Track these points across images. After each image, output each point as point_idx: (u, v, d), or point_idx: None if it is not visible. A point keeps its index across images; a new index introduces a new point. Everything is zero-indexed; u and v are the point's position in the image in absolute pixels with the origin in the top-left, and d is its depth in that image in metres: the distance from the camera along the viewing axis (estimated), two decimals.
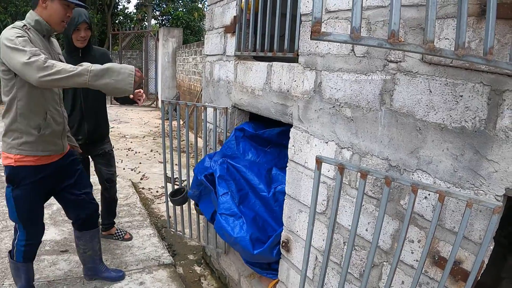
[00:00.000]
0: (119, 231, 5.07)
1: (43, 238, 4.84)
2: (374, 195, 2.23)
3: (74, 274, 4.18)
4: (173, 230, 4.64)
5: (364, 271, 2.34)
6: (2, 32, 2.91)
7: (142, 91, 4.28)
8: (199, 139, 8.75)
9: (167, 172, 4.42)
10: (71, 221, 3.85)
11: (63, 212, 5.56)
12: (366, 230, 2.30)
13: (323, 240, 2.65)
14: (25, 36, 2.83)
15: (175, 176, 4.30)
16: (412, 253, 2.05)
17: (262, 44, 3.29)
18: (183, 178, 4.28)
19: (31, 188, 3.22)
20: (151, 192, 6.99)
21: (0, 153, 3.37)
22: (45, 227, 5.12)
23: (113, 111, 16.08)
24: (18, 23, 3.00)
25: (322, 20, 2.48)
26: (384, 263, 2.23)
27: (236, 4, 3.60)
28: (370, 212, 2.26)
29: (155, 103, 18.09)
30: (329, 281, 2.64)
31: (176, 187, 4.29)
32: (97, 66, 2.76)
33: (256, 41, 3.32)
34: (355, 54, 2.28)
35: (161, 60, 16.99)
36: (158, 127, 13.29)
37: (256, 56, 3.51)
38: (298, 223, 2.90)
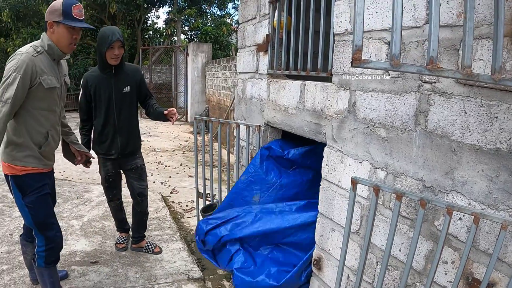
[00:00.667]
0: (149, 244, 5.10)
1: (74, 248, 4.95)
2: (408, 215, 2.22)
3: (104, 286, 4.21)
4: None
5: None
6: (20, 49, 3.25)
7: (175, 110, 4.33)
8: (231, 155, 8.74)
9: (198, 187, 4.44)
10: (23, 230, 4.01)
11: (93, 223, 5.69)
12: (400, 250, 2.29)
13: (356, 259, 2.65)
14: (23, 70, 3.06)
15: (207, 192, 4.33)
16: (446, 274, 2.04)
17: (295, 62, 3.32)
18: (214, 193, 4.30)
19: (40, 193, 3.37)
20: (181, 206, 7.01)
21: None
22: (76, 238, 5.20)
23: (143, 125, 16.14)
24: (34, 46, 3.23)
25: None
26: (417, 283, 2.21)
27: (269, 23, 3.65)
28: (404, 233, 2.25)
29: (184, 117, 18.17)
30: None
31: (207, 202, 4.31)
32: None
33: (289, 59, 3.35)
34: (389, 75, 2.28)
35: (190, 75, 17.09)
36: (187, 141, 13.34)
37: (289, 74, 3.53)
38: (331, 242, 2.90)
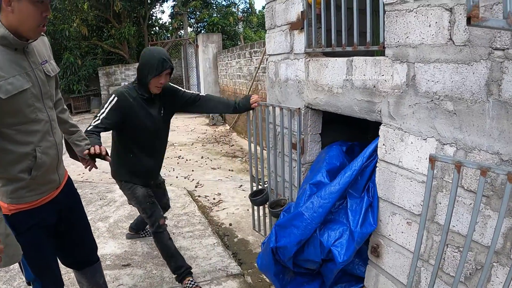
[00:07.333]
0: (145, 229, 5.23)
1: (103, 252, 4.78)
2: (484, 192, 2.06)
3: None
4: (256, 230, 4.73)
5: (470, 274, 2.23)
6: None
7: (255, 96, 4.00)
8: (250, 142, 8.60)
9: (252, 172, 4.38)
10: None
11: (120, 224, 5.54)
12: (474, 229, 2.14)
13: (421, 243, 2.50)
14: None
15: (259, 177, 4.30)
16: None
17: (337, 39, 3.15)
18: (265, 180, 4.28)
19: (35, 231, 2.60)
20: (208, 200, 6.88)
21: None
22: (104, 240, 5.00)
23: None
24: None
25: (411, 9, 2.34)
26: (494, 264, 2.09)
27: None
28: (479, 211, 2.11)
29: None
30: (427, 284, 2.50)
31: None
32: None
33: (331, 36, 3.17)
34: (454, 43, 2.14)
35: (202, 66, 17.00)
36: (205, 133, 13.26)
37: (326, 52, 3.36)
38: (391, 227, 2.75)
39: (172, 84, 4.04)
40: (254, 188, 4.55)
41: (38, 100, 2.46)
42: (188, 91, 4.09)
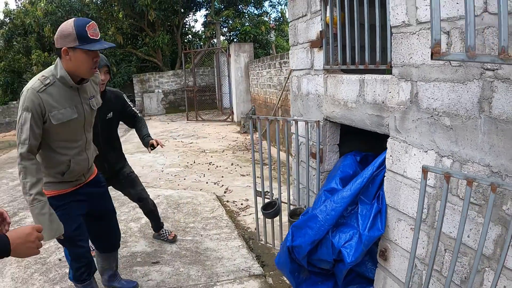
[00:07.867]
0: (164, 231, 5.49)
1: (134, 250, 5.09)
2: (476, 201, 2.23)
3: (167, 285, 4.37)
4: (262, 242, 4.82)
5: (465, 278, 2.37)
6: (28, 83, 3.03)
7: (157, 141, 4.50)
8: (282, 152, 8.64)
9: (256, 185, 4.52)
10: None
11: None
12: (468, 236, 2.30)
13: (423, 248, 2.67)
14: (30, 108, 2.93)
15: (265, 190, 4.41)
16: None
17: (352, 57, 3.37)
18: (273, 192, 4.38)
19: (64, 211, 3.30)
20: (236, 205, 7.10)
21: None
22: (135, 239, 5.28)
23: (190, 127, 16.41)
24: (43, 78, 3.03)
25: (414, 32, 2.54)
26: (486, 268, 2.22)
27: (321, 19, 3.70)
28: (472, 219, 2.26)
29: (230, 117, 18.30)
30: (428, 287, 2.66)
31: (266, 200, 4.40)
32: (37, 208, 2.96)
33: (346, 54, 3.39)
34: (451, 64, 2.29)
35: (234, 75, 17.24)
36: (236, 140, 13.48)
37: (344, 69, 3.59)
38: (397, 232, 2.94)
39: (126, 99, 4.70)
40: (259, 203, 4.72)
41: (80, 127, 3.29)
42: (134, 108, 4.75)
